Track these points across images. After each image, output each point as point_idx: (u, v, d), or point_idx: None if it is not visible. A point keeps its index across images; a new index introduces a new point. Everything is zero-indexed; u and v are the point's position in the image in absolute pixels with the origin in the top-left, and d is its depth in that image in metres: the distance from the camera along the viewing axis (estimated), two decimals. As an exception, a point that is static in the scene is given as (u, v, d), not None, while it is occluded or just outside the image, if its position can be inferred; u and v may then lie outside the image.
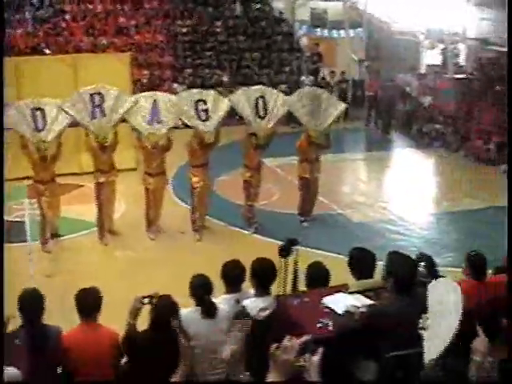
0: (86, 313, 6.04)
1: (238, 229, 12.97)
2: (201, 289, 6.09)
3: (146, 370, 5.44)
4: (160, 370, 5.40)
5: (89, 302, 6.06)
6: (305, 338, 3.36)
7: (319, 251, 11.41)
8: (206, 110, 12.04)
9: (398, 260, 5.29)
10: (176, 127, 11.87)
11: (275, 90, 13.11)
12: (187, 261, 10.93)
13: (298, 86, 23.24)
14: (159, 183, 12.39)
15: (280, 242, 7.06)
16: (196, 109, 12.02)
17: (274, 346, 3.27)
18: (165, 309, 5.78)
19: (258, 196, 13.16)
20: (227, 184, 14.99)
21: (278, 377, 3.22)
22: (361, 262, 5.88)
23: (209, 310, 6.03)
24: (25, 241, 11.65)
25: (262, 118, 12.37)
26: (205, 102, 12.07)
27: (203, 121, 12.00)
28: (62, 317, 6.84)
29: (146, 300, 5.90)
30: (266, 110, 12.39)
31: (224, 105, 12.30)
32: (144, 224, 12.61)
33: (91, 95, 11.78)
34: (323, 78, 23.78)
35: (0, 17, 14.49)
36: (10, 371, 4.60)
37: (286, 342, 3.27)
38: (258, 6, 26.80)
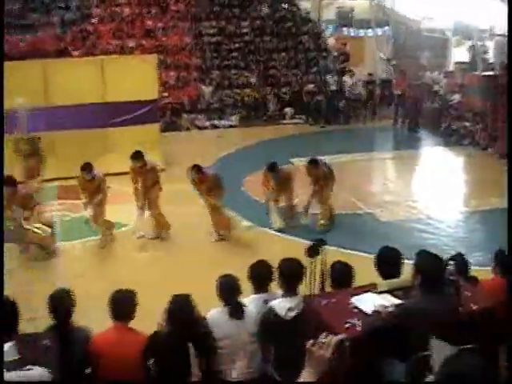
0: (120, 315, 6.01)
1: (265, 229, 12.90)
2: (228, 289, 6.12)
3: (167, 370, 5.43)
4: (178, 370, 5.39)
5: (124, 305, 6.02)
6: (341, 335, 3.39)
7: (348, 251, 11.37)
8: None
9: (425, 259, 5.27)
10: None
11: None
12: (216, 262, 10.90)
13: (325, 85, 23.31)
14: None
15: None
16: None
17: (311, 342, 3.30)
18: (176, 309, 5.72)
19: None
20: (255, 183, 14.88)
21: (312, 373, 3.25)
22: (388, 261, 5.86)
23: (236, 310, 6.05)
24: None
25: None
26: None
27: None
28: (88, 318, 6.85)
29: None
30: None
31: None
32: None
33: None
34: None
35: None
36: (39, 371, 4.64)
37: (323, 338, 3.30)
38: (285, 6, 26.79)
